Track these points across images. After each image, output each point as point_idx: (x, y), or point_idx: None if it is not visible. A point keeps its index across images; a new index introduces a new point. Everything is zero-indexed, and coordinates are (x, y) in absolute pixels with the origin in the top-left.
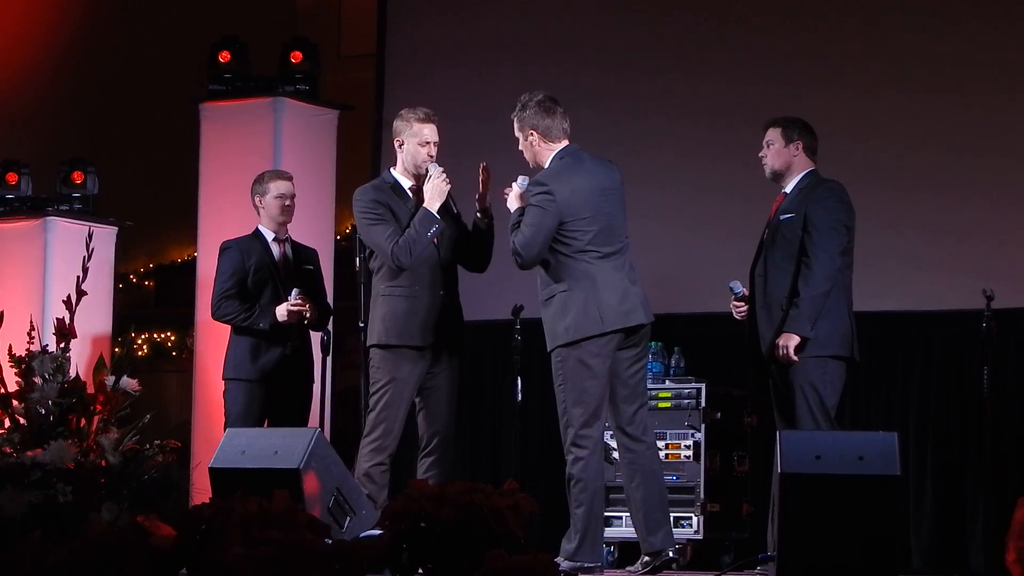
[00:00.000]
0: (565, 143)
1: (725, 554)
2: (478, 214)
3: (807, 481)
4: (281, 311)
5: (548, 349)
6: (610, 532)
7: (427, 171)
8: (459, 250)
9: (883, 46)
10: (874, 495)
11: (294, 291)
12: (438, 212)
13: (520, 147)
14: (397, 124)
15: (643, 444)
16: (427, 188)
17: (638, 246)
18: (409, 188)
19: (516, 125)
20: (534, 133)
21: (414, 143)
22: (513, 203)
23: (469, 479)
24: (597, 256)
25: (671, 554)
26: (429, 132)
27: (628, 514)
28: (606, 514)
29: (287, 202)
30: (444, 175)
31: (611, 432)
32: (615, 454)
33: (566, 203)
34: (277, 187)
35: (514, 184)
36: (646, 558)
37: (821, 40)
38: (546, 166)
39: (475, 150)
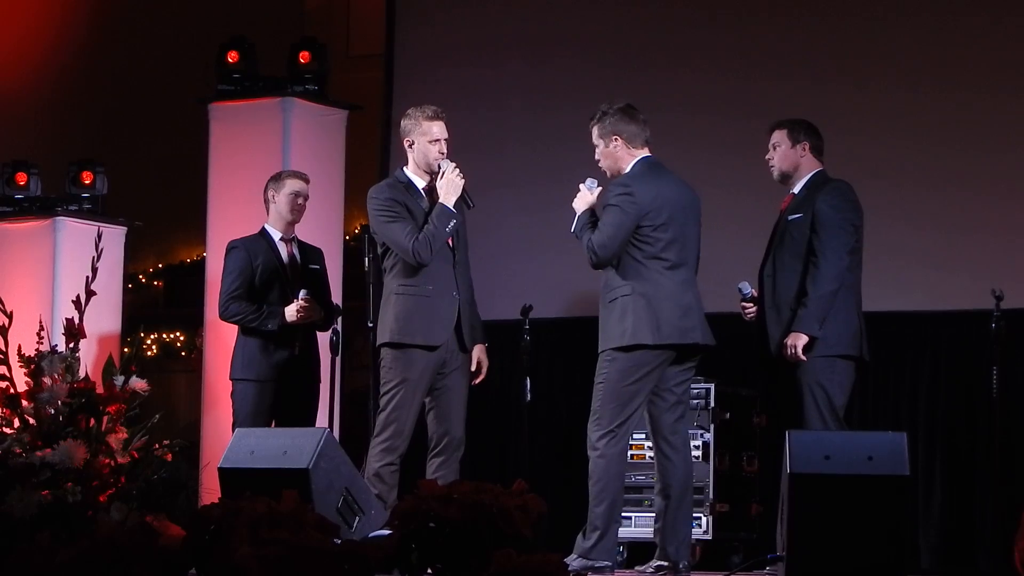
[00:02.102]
0: (646, 151)
1: (734, 554)
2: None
3: (816, 481)
4: (290, 312)
5: (600, 349)
6: (620, 532)
7: (439, 168)
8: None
9: (892, 43)
10: (883, 495)
11: (302, 292)
12: (454, 207)
13: (597, 155)
14: (405, 124)
15: (680, 454)
16: (441, 184)
17: None
18: (422, 188)
19: (596, 132)
20: (618, 139)
21: (424, 142)
22: (580, 205)
23: (478, 479)
24: (666, 266)
25: (683, 567)
26: (438, 130)
27: (639, 514)
28: None
29: (299, 200)
30: (457, 170)
31: (644, 434)
32: (630, 451)
33: (646, 207)
34: (292, 184)
35: (582, 185)
36: (659, 563)
37: (830, 37)
38: (627, 171)
39: (484, 149)
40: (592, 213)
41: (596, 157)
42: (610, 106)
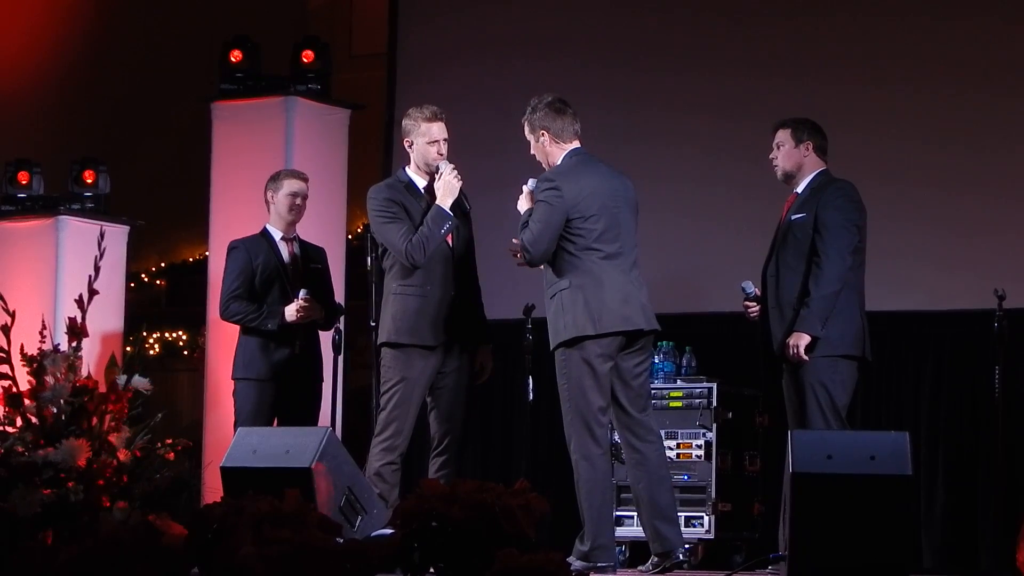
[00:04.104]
0: (576, 144)
1: (736, 553)
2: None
3: (818, 481)
4: (290, 312)
5: (551, 347)
6: (621, 532)
7: (438, 168)
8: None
9: (895, 43)
10: (885, 495)
11: (301, 292)
12: (450, 209)
13: (532, 151)
14: (406, 124)
15: (650, 445)
16: (438, 185)
17: (650, 245)
18: (423, 187)
19: (527, 128)
20: (545, 134)
21: (423, 142)
22: (523, 204)
23: (480, 478)
24: (601, 255)
25: (680, 555)
26: (437, 130)
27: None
28: (617, 514)
29: (297, 201)
30: (455, 172)
31: (617, 433)
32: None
33: (573, 200)
34: (290, 185)
35: (524, 186)
36: (656, 558)
37: (833, 37)
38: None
39: (487, 148)
40: (532, 211)
41: (531, 152)
42: (539, 100)
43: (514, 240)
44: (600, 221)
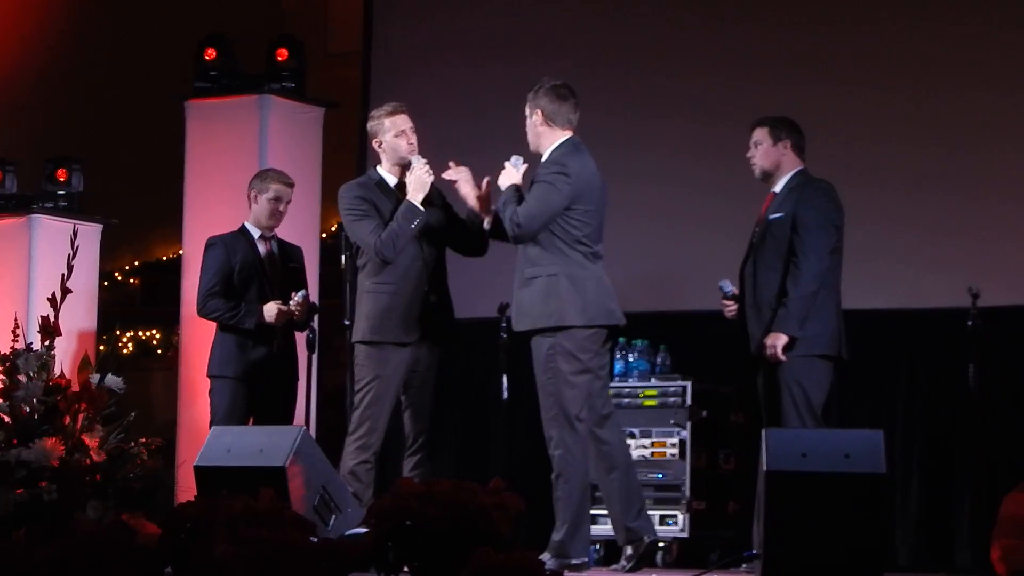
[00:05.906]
0: (569, 133)
1: (711, 552)
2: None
3: (793, 479)
4: (271, 311)
5: (518, 327)
6: (596, 530)
7: (410, 163)
8: (448, 242)
9: (872, 44)
10: (860, 493)
11: (301, 293)
12: (422, 205)
13: (526, 127)
14: (371, 126)
15: (615, 434)
16: (410, 180)
17: (626, 243)
18: (394, 184)
19: (528, 104)
20: (539, 113)
21: (390, 137)
22: (504, 179)
23: (456, 477)
24: (587, 251)
25: (648, 539)
26: (402, 121)
27: None
28: (592, 512)
29: (280, 207)
30: (427, 167)
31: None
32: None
33: (579, 190)
34: (276, 190)
35: (507, 163)
36: (628, 550)
37: (810, 39)
38: (545, 151)
39: (462, 148)
40: (518, 190)
41: (525, 128)
42: (547, 81)
43: (511, 212)
44: (594, 217)
